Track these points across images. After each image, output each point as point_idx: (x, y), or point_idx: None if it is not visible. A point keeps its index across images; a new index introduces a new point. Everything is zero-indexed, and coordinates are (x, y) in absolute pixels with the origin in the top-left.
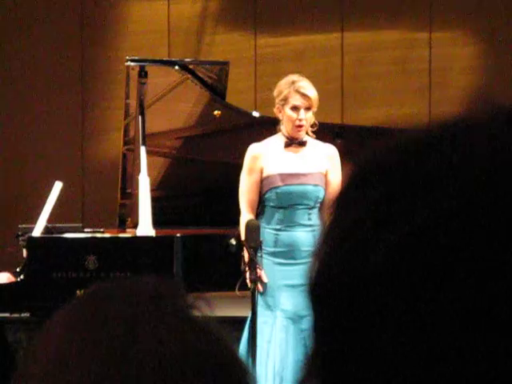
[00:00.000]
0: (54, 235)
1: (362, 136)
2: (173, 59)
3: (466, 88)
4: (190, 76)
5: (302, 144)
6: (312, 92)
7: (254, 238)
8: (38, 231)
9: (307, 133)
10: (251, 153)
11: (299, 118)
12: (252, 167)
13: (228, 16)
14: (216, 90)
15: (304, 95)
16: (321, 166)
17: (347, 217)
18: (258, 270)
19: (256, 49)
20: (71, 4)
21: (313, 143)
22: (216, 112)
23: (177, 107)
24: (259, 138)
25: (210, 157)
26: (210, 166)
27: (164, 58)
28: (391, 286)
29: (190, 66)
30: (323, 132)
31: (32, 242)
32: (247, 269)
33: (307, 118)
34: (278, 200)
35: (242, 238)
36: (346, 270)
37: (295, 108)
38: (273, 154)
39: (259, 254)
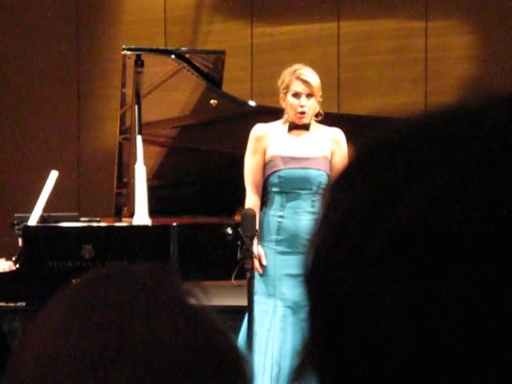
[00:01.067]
0: (50, 224)
1: (359, 125)
2: (169, 48)
3: (462, 77)
4: (186, 65)
5: (306, 128)
6: (313, 79)
7: (250, 227)
8: (33, 220)
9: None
10: (255, 133)
11: (301, 104)
12: (256, 148)
13: (224, 5)
14: (212, 79)
15: (305, 81)
16: (325, 150)
17: (344, 203)
18: (254, 259)
19: (252, 38)
20: None
21: (317, 127)
22: (212, 101)
23: (173, 96)
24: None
25: (206, 146)
26: (206, 155)
27: (160, 47)
28: (389, 272)
29: (187, 55)
30: (319, 121)
31: (28, 231)
32: (243, 258)
33: (309, 105)
34: (280, 184)
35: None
36: (343, 257)
37: (296, 95)
38: (276, 136)
39: (255, 243)
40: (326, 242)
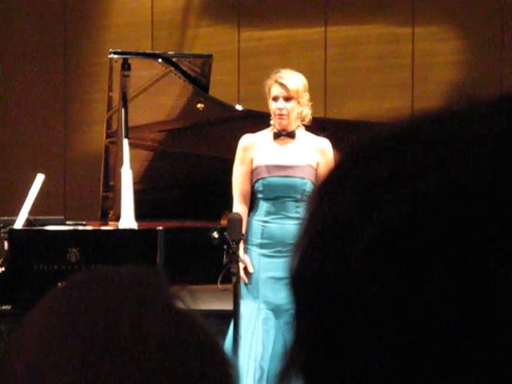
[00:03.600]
0: (36, 228)
1: (346, 130)
2: (156, 52)
3: (449, 83)
4: (173, 69)
5: (291, 136)
6: (291, 82)
7: (236, 231)
8: (19, 223)
9: (301, 126)
10: (242, 144)
11: (278, 107)
12: (243, 158)
13: (211, 9)
14: (199, 83)
15: (281, 84)
16: (310, 159)
17: (329, 206)
18: (241, 263)
19: (239, 42)
20: None
21: (304, 136)
22: (199, 105)
23: (160, 100)
24: (242, 131)
25: (192, 150)
26: (193, 159)
27: (147, 51)
28: (375, 276)
29: (174, 59)
30: (306, 126)
31: (13, 235)
32: (229, 262)
33: (288, 107)
34: (264, 191)
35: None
36: (328, 260)
37: (275, 98)
38: (262, 146)
39: (241, 247)
40: (312, 245)
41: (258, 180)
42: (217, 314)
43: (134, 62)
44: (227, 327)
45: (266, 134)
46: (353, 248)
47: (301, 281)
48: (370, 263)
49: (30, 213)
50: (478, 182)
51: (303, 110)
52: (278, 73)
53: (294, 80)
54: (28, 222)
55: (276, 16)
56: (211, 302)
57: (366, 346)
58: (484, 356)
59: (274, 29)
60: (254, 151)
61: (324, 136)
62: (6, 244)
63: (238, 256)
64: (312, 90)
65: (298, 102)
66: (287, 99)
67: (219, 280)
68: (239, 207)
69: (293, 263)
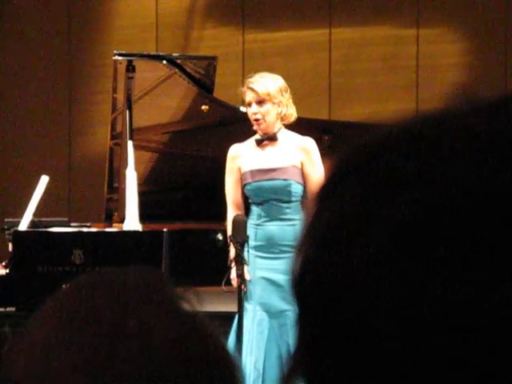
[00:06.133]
0: (41, 229)
1: (350, 132)
2: (160, 54)
3: (453, 85)
4: (177, 71)
5: (274, 139)
6: (259, 85)
7: (241, 234)
8: (24, 225)
9: (282, 128)
10: (229, 154)
11: (252, 112)
12: (231, 168)
13: (216, 11)
14: (203, 85)
15: (251, 89)
16: (294, 160)
17: (331, 210)
18: (245, 266)
19: (244, 44)
20: None
21: (288, 136)
22: (203, 107)
23: (164, 102)
24: (246, 133)
25: (197, 151)
26: (197, 161)
27: (152, 53)
28: (378, 279)
29: (178, 61)
30: (311, 128)
31: (18, 236)
32: (233, 264)
33: (262, 111)
34: (251, 196)
35: (229, 234)
36: (331, 264)
37: (249, 104)
38: (247, 153)
39: (245, 249)
40: (314, 249)
41: (244, 186)
42: (221, 315)
43: (139, 63)
44: (230, 329)
45: (251, 141)
46: (356, 252)
47: (303, 285)
48: (373, 267)
49: (35, 214)
50: (480, 186)
51: (282, 110)
52: (249, 78)
53: (263, 83)
54: (32, 224)
55: (280, 18)
56: (215, 303)
57: (369, 350)
58: (487, 367)
59: (279, 30)
60: (241, 159)
61: (328, 138)
62: (10, 245)
63: (242, 258)
64: (316, 91)
65: (274, 104)
66: (259, 102)
67: (224, 282)
68: (232, 216)
69: (295, 267)
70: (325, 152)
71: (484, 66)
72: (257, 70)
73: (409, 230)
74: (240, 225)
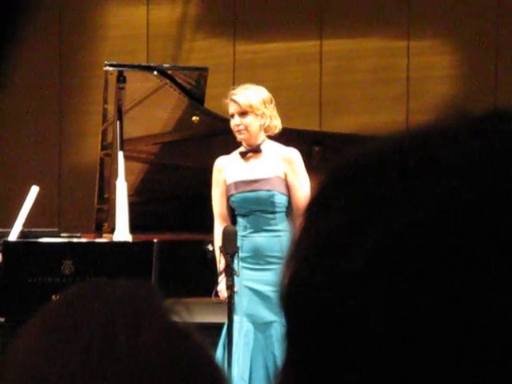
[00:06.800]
0: (30, 240)
1: (340, 143)
2: (151, 64)
3: (444, 97)
4: (168, 81)
5: (257, 150)
6: (241, 97)
7: (231, 245)
8: (14, 235)
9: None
10: (215, 166)
11: (235, 123)
12: (217, 180)
13: (207, 22)
14: (194, 96)
15: (233, 101)
16: (277, 170)
17: (321, 223)
18: (236, 276)
19: (235, 55)
20: (49, 8)
21: (271, 147)
22: (194, 118)
23: (155, 112)
24: (237, 144)
25: (188, 162)
26: (188, 172)
27: (142, 64)
28: (367, 292)
29: (169, 72)
30: (301, 139)
31: (8, 247)
32: (221, 276)
33: (244, 122)
34: (236, 207)
35: (216, 247)
36: (321, 277)
37: (232, 116)
38: (232, 165)
39: (236, 261)
40: (303, 263)
41: (229, 197)
42: (210, 326)
43: (130, 74)
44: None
45: (236, 153)
46: (344, 267)
47: (292, 298)
48: (360, 281)
49: (25, 225)
50: (467, 203)
51: (266, 121)
52: (233, 90)
53: (245, 95)
54: (22, 234)
55: (271, 29)
56: (205, 314)
57: (359, 364)
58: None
59: (270, 42)
60: (226, 172)
61: (319, 149)
62: (0, 256)
63: (232, 269)
64: (307, 103)
65: (257, 115)
66: (242, 114)
67: (214, 293)
68: (219, 228)
69: (283, 280)
70: (315, 163)
71: (474, 78)
72: (247, 82)
73: (397, 245)
74: (230, 236)
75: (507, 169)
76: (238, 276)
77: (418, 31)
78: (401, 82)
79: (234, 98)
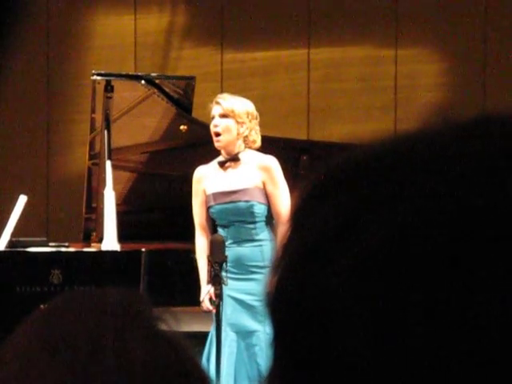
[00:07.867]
0: (18, 249)
1: (328, 152)
2: (139, 74)
3: (431, 105)
4: (156, 91)
5: (236, 160)
6: (225, 101)
7: (219, 254)
8: (1, 245)
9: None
10: (194, 176)
11: (213, 123)
12: (196, 190)
13: (195, 31)
14: (182, 105)
15: (217, 103)
16: (255, 179)
17: (307, 230)
18: (223, 286)
19: (222, 64)
20: (37, 18)
21: (250, 157)
22: (182, 127)
23: (143, 122)
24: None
25: (175, 171)
26: (176, 181)
27: (130, 73)
28: (354, 300)
29: (157, 81)
30: (289, 148)
31: None
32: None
33: (223, 125)
34: (216, 218)
35: (198, 257)
36: (307, 284)
37: (212, 118)
38: (211, 175)
39: (224, 269)
40: (289, 270)
41: (208, 208)
42: (198, 335)
43: (117, 83)
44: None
45: (215, 163)
46: (330, 274)
47: (278, 305)
48: (347, 288)
49: (13, 234)
50: (454, 207)
51: (245, 131)
52: (219, 95)
53: (230, 100)
54: (10, 244)
55: (259, 38)
56: (193, 323)
57: (346, 371)
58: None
59: (257, 51)
60: (205, 182)
61: (307, 158)
62: None
63: (220, 278)
64: (295, 111)
65: (238, 122)
66: (223, 116)
67: (201, 302)
68: (200, 240)
69: (270, 288)
70: (303, 172)
71: (462, 86)
72: (235, 90)
73: (384, 251)
74: (218, 245)
75: (496, 171)
76: (226, 285)
77: (406, 40)
78: (388, 91)
79: (219, 100)
